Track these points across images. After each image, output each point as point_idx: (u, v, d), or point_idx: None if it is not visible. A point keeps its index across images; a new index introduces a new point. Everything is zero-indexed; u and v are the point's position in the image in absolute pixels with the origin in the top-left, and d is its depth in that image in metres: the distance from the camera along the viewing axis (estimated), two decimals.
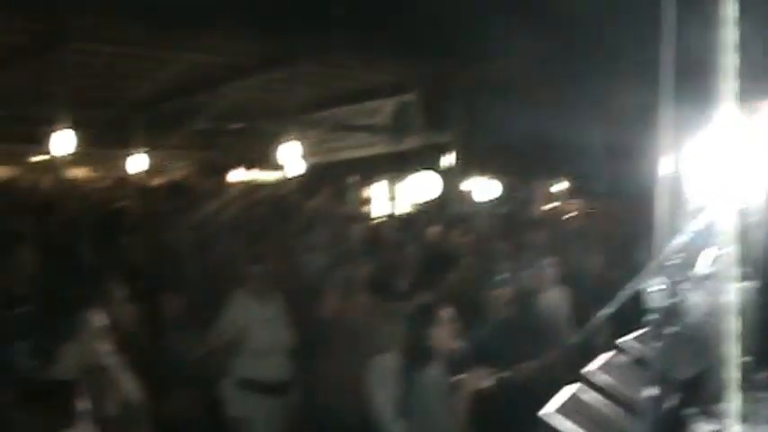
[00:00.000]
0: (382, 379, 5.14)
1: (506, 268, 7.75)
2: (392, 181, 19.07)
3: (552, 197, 18.22)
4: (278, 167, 16.12)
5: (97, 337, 4.13)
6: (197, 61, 14.63)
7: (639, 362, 2.74)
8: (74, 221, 10.73)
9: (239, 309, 5.88)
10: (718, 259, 2.28)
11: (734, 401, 1.93)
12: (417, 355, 4.76)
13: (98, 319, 4.26)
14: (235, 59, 14.64)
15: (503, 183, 18.18)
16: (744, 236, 2.08)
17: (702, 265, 2.66)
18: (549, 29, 10.43)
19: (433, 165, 17.16)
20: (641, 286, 2.59)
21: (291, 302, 6.37)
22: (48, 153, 13.70)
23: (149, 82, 16.03)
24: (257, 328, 5.86)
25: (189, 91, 16.46)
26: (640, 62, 4.55)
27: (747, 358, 2.02)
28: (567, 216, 14.62)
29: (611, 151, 12.80)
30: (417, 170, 16.90)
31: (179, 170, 21.16)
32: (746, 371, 1.98)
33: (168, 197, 15.19)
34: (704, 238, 2.52)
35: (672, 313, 2.55)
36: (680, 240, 2.61)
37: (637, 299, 2.65)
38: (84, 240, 8.54)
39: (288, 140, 14.87)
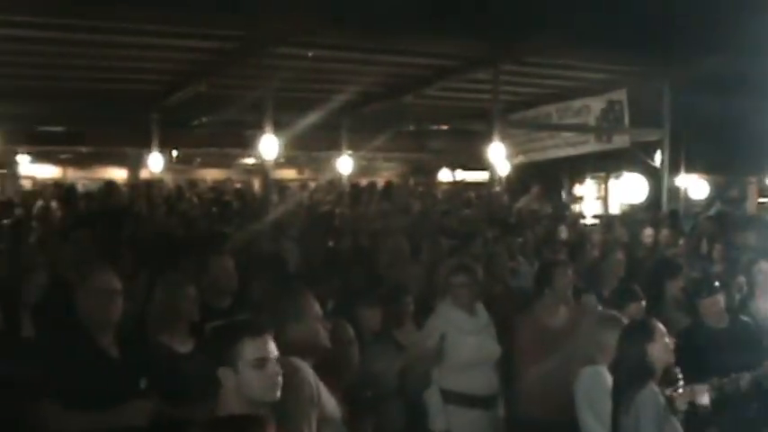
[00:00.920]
0: (593, 392, 4.94)
1: (718, 272, 7.32)
2: (601, 181, 18.62)
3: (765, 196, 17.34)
4: (486, 167, 16.03)
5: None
6: (403, 63, 14.77)
7: None
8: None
9: (443, 320, 5.80)
10: None
11: None
12: (633, 369, 4.52)
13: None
14: (440, 60, 14.68)
15: (713, 182, 17.42)
16: None
17: None
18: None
19: (642, 164, 16.62)
20: None
21: (497, 311, 6.24)
22: (257, 156, 14.16)
23: (356, 84, 16.35)
24: (463, 339, 5.77)
25: (395, 92, 16.67)
26: None
27: None
28: None
29: None
30: (627, 169, 16.43)
31: (388, 172, 21.54)
32: None
33: (378, 199, 15.48)
34: None
35: None
36: None
37: None
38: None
39: (495, 140, 14.76)
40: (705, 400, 4.82)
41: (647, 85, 16.21)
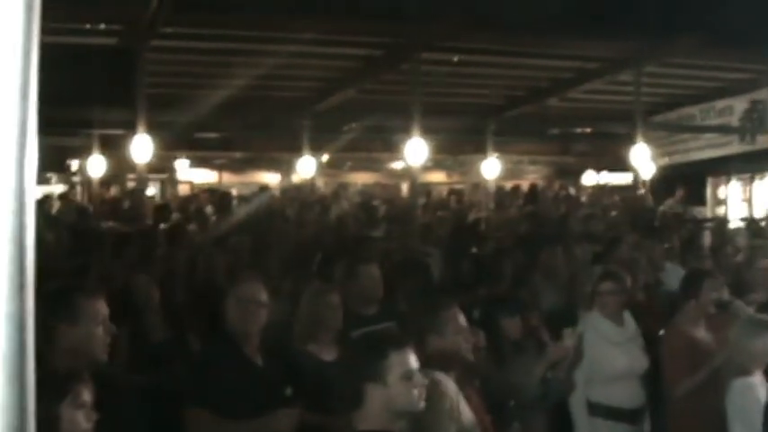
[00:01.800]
0: (745, 406, 4.80)
1: None
2: (746, 182, 17.95)
3: None
4: (630, 170, 15.76)
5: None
6: (546, 66, 14.70)
7: None
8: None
9: (591, 330, 5.71)
10: None
11: None
12: None
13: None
14: (583, 63, 14.55)
15: None
16: None
17: None
18: None
19: None
20: None
21: (643, 320, 6.12)
22: (404, 160, 14.40)
23: (500, 88, 16.37)
24: (611, 351, 5.67)
25: (539, 95, 16.61)
26: None
27: None
28: None
29: None
30: None
31: (533, 175, 21.41)
32: None
33: (524, 202, 15.39)
34: None
35: None
36: None
37: None
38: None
39: (639, 142, 14.50)
40: None
41: None
